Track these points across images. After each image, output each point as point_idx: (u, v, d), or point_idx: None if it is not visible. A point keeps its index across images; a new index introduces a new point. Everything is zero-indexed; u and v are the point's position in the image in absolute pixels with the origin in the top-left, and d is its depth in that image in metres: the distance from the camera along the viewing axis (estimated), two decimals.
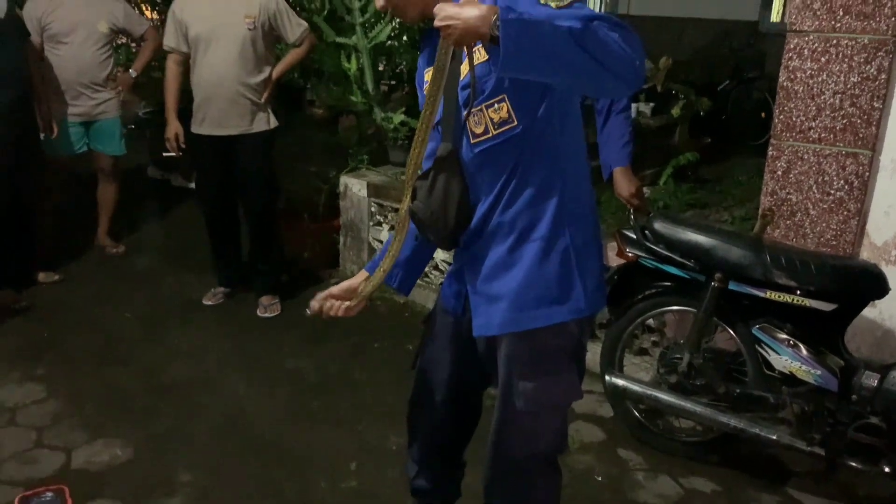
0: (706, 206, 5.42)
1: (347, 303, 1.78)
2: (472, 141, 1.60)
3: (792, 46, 2.75)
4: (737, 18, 7.95)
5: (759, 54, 7.45)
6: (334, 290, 1.79)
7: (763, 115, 6.80)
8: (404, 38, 4.80)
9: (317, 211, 4.23)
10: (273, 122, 3.65)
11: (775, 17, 7.93)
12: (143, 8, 6.08)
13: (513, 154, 1.58)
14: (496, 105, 1.55)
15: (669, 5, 8.20)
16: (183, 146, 3.76)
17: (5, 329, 3.61)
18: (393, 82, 5.26)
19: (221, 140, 3.59)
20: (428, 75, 1.62)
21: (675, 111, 5.95)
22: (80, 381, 3.17)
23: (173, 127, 3.73)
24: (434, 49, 1.53)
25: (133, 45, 5.38)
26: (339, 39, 4.11)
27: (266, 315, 3.81)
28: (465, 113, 1.56)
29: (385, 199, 4.01)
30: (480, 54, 1.48)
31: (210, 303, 3.92)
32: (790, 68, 2.76)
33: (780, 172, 2.85)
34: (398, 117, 4.13)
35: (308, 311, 1.80)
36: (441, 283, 2.56)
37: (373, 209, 4.09)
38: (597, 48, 1.28)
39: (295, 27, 3.60)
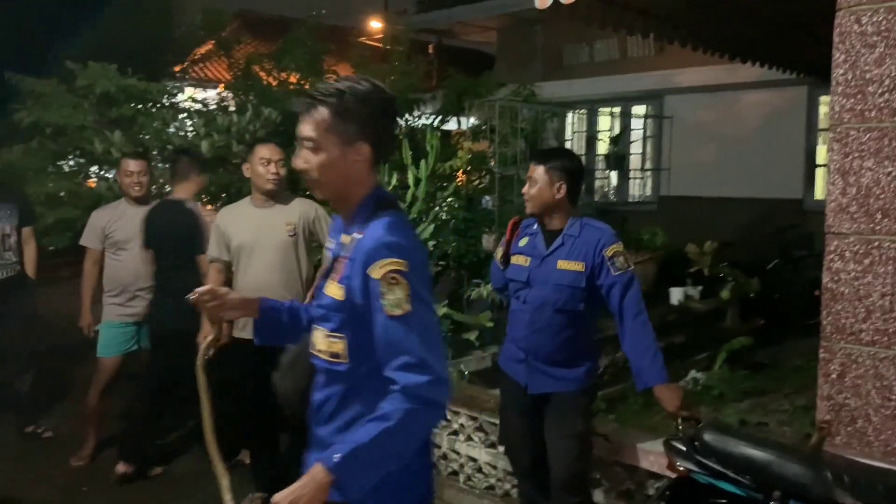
0: (763, 392, 5.21)
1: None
2: (311, 350, 1.81)
3: (832, 248, 2.71)
4: (780, 197, 8.03)
5: (805, 232, 7.43)
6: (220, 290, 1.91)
7: (816, 293, 6.67)
8: (451, 223, 4.95)
9: None
10: None
11: (819, 194, 7.99)
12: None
13: (338, 382, 1.76)
14: (335, 338, 1.74)
15: (710, 186, 8.36)
16: None
17: None
18: (442, 263, 5.34)
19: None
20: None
21: (724, 294, 5.90)
22: None
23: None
24: None
25: None
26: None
27: None
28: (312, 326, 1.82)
29: None
30: (335, 288, 1.73)
31: None
32: (833, 269, 2.71)
33: (834, 376, 2.72)
34: (440, 310, 4.16)
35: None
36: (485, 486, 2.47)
37: None
38: (403, 439, 1.61)
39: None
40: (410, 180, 4.14)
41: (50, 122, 5.63)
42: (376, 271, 1.62)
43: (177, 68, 10.64)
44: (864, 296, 2.64)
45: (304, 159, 1.74)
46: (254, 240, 3.61)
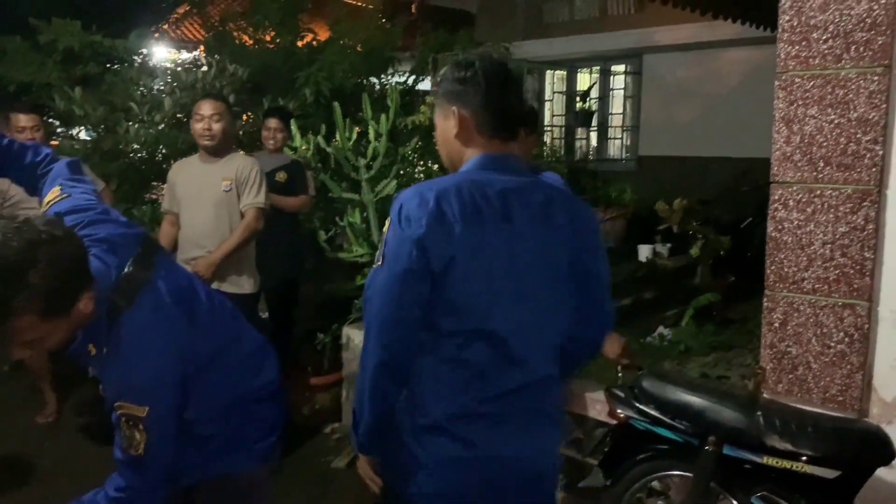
0: (731, 347, 5.25)
1: None
2: None
3: (777, 197, 2.72)
4: (759, 156, 8.01)
5: None
6: None
7: None
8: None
9: (321, 364, 4.20)
10: (249, 288, 3.70)
11: None
12: None
13: None
14: None
15: (689, 145, 8.33)
16: None
17: None
18: None
19: None
20: None
21: (694, 251, 5.90)
22: None
23: None
24: None
25: None
26: (345, 195, 4.22)
27: None
28: None
29: None
30: None
31: None
32: (777, 219, 2.72)
33: (776, 324, 2.74)
34: None
35: None
36: None
37: None
38: None
39: (246, 197, 3.61)
40: (371, 135, 4.11)
41: (13, 79, 5.54)
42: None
43: (156, 28, 10.51)
44: (806, 244, 2.65)
45: None
46: (193, 193, 3.64)
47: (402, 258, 1.54)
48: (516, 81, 1.69)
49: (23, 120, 4.09)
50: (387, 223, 1.60)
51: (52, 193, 1.73)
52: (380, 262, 1.57)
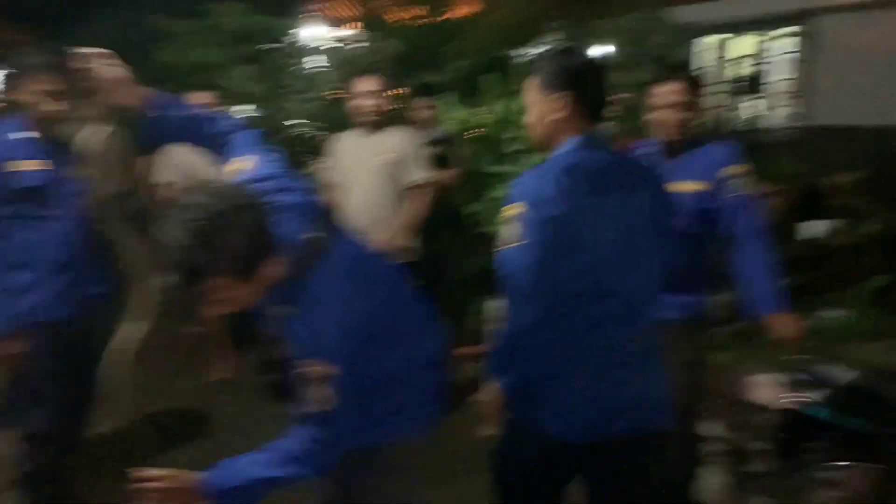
0: None
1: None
2: None
3: None
4: None
5: None
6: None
7: None
8: None
9: (463, 336, 4.23)
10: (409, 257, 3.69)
11: None
12: None
13: None
14: None
15: (864, 114, 7.67)
16: None
17: None
18: None
19: None
20: None
21: (865, 229, 5.46)
22: None
23: None
24: None
25: None
26: (491, 169, 4.21)
27: None
28: None
29: None
30: None
31: None
32: None
33: None
34: None
35: None
36: None
37: None
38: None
39: (413, 172, 3.69)
40: (519, 108, 4.06)
41: (187, 61, 5.92)
42: None
43: (309, 6, 10.90)
44: None
45: None
46: (354, 166, 3.74)
47: (542, 234, 1.75)
48: (608, 72, 1.94)
49: (197, 98, 4.38)
50: (509, 206, 1.82)
51: (239, 162, 1.82)
52: (516, 240, 1.77)
